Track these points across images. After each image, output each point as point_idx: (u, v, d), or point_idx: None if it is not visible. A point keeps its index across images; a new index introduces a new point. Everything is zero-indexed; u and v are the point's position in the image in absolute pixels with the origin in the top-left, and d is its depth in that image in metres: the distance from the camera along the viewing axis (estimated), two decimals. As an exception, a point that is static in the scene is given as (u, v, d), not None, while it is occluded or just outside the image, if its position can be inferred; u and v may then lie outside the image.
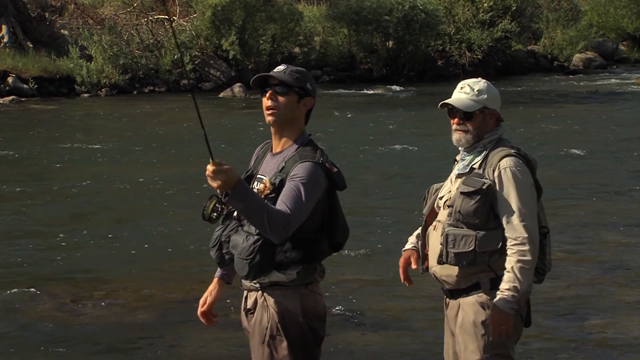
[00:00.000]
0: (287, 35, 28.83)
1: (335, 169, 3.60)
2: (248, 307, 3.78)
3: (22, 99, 22.48)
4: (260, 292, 3.71)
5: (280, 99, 3.61)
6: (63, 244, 9.34)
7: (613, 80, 29.74)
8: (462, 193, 3.89)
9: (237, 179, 3.35)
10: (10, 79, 23.10)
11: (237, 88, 24.93)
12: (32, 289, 7.72)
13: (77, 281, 8.03)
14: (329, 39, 30.82)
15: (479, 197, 3.84)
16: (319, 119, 19.27)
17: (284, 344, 3.65)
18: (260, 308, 3.71)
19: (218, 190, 3.41)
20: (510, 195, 3.84)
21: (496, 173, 3.88)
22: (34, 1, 27.50)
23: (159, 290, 7.79)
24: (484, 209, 3.85)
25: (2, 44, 24.72)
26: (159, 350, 6.42)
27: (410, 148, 15.69)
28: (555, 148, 15.70)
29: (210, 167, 3.33)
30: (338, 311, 6.99)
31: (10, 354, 6.36)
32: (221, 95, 24.65)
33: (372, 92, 26.09)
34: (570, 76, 31.47)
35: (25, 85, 23.09)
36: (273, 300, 3.66)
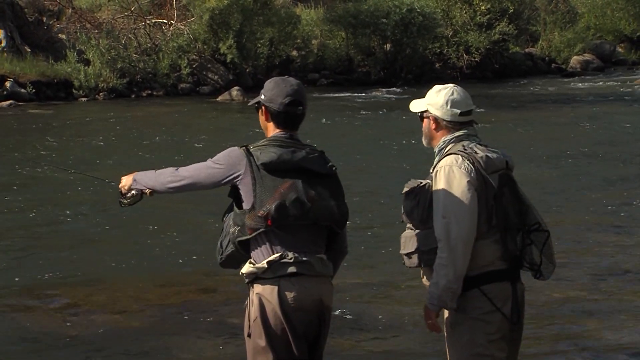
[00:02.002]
0: (284, 38, 28.83)
1: (260, 152, 3.93)
2: (246, 303, 4.01)
3: (20, 104, 22.46)
4: (249, 287, 3.98)
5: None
6: (60, 248, 9.33)
7: (611, 82, 29.76)
8: (402, 194, 4.07)
9: (132, 175, 4.20)
10: (7, 84, 23.08)
11: (235, 92, 24.92)
12: (29, 294, 7.72)
13: (75, 287, 8.03)
14: (326, 42, 30.82)
15: (413, 196, 4.00)
16: (316, 122, 19.29)
17: (263, 335, 3.87)
18: (248, 302, 3.98)
19: (126, 188, 4.23)
20: (439, 193, 3.94)
21: (434, 172, 4.01)
22: (31, 5, 27.48)
23: (157, 295, 7.78)
24: (420, 208, 3.98)
25: (-1, 49, 24.73)
26: (156, 356, 6.42)
27: (408, 150, 15.69)
28: (553, 150, 15.71)
29: (119, 186, 4.27)
30: (334, 314, 6.98)
31: (7, 359, 6.35)
32: (219, 99, 24.64)
33: (369, 95, 26.10)
34: (568, 78, 31.48)
35: (22, 90, 23.07)
36: (255, 293, 3.93)
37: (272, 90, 4.05)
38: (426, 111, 4.13)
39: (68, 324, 7.05)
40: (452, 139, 4.06)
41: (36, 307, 7.43)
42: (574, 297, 7.61)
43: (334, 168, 4.06)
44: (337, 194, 4.02)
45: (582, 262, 8.75)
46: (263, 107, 4.07)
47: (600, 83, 29.56)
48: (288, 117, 4.04)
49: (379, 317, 7.19)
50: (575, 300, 7.55)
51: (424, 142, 4.20)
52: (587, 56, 35.05)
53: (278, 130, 4.05)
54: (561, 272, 8.16)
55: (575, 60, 34.34)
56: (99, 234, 9.90)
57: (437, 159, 4.08)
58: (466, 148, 3.98)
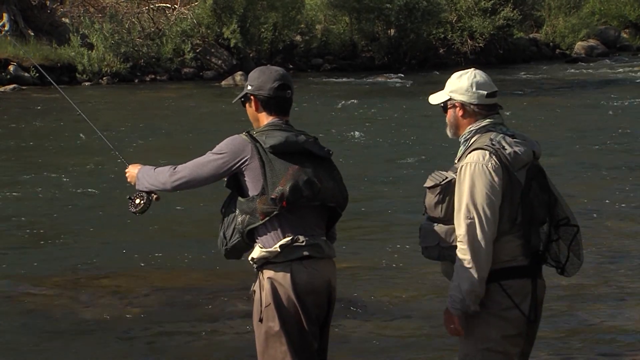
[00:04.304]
0: (288, 23, 28.75)
1: (266, 137, 3.92)
2: (253, 289, 4.00)
3: (24, 87, 22.46)
4: (258, 272, 3.96)
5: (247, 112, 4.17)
6: (66, 233, 9.35)
7: (615, 68, 29.67)
8: (425, 187, 3.94)
9: (136, 172, 4.16)
10: (11, 68, 23.07)
11: (238, 76, 24.88)
12: (35, 280, 7.74)
13: (81, 272, 8.05)
14: (330, 27, 30.74)
15: (438, 191, 3.87)
16: (319, 107, 19.28)
17: (277, 320, 3.87)
18: (257, 287, 3.96)
19: (129, 181, 4.23)
20: (464, 190, 3.80)
21: (460, 166, 3.86)
22: (34, -11, 27.42)
23: (163, 280, 7.80)
24: (444, 203, 3.86)
25: (3, 33, 24.68)
26: (163, 340, 6.44)
27: (412, 136, 15.68)
28: (557, 136, 15.68)
29: (125, 172, 4.25)
30: (339, 299, 6.99)
31: (14, 344, 6.37)
32: (223, 83, 24.62)
33: (373, 80, 26.06)
34: (572, 64, 31.40)
35: (26, 74, 23.06)
36: (266, 277, 3.90)
37: (259, 79, 4.04)
38: (449, 100, 3.97)
39: (74, 309, 7.07)
40: (478, 128, 3.91)
41: (41, 294, 7.45)
42: (580, 283, 7.60)
43: (330, 152, 4.08)
44: (336, 177, 4.05)
45: (587, 248, 8.72)
46: (252, 98, 4.04)
47: (605, 69, 29.47)
48: (279, 102, 4.02)
49: (384, 302, 7.20)
50: (580, 286, 7.54)
51: (449, 133, 4.02)
52: (592, 42, 34.94)
53: (271, 117, 4.03)
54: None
55: (579, 46, 34.23)
56: (102, 219, 9.90)
57: (462, 149, 3.94)
58: (494, 142, 3.83)
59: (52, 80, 5.46)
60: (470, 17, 30.84)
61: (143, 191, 4.16)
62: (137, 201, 4.18)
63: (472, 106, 3.94)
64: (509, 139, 3.89)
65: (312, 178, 3.90)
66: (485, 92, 3.95)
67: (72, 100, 5.00)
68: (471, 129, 3.94)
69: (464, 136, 3.96)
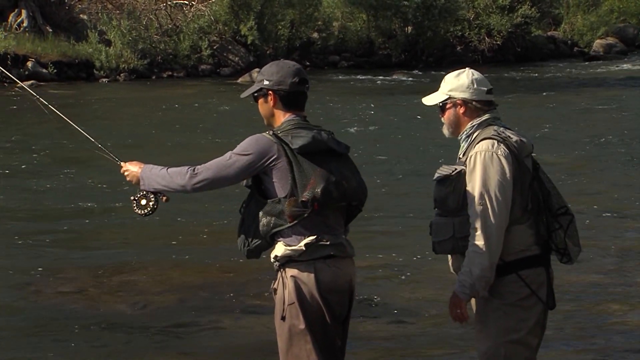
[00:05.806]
0: (305, 20, 28.75)
1: (291, 137, 3.83)
2: (274, 287, 3.96)
3: (41, 84, 22.52)
4: (280, 270, 3.90)
5: (259, 107, 4.05)
6: (82, 229, 9.38)
7: (634, 66, 29.50)
8: (434, 180, 3.96)
9: (140, 170, 3.99)
10: (29, 64, 23.16)
11: (255, 73, 24.88)
12: (51, 276, 7.77)
13: (96, 267, 8.06)
14: (347, 25, 30.71)
15: (448, 183, 3.90)
16: (336, 105, 19.26)
17: (301, 318, 3.83)
18: (280, 285, 3.90)
19: (129, 180, 4.06)
20: (475, 179, 3.84)
21: (469, 155, 3.90)
22: (53, -14, 27.51)
23: (178, 276, 7.81)
24: (456, 194, 3.88)
25: (21, 29, 24.79)
26: (177, 335, 6.45)
27: (428, 133, 15.63)
28: (575, 134, 15.62)
29: (122, 171, 4.09)
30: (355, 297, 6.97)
31: (30, 338, 6.40)
32: (239, 80, 24.64)
33: (390, 77, 26.01)
34: (591, 62, 31.24)
35: (44, 70, 23.15)
36: (289, 275, 3.86)
37: (279, 73, 3.95)
38: (449, 99, 4.00)
39: (89, 304, 7.10)
40: (480, 122, 3.95)
41: (56, 289, 7.48)
42: (596, 281, 7.58)
43: (348, 147, 4.04)
44: (356, 172, 4.00)
45: (603, 245, 8.69)
46: (270, 93, 3.95)
47: (623, 67, 29.31)
48: (298, 97, 3.96)
49: (401, 301, 7.19)
50: (596, 284, 7.51)
51: (447, 132, 4.05)
52: (610, 40, 34.74)
53: (289, 113, 3.95)
54: (582, 256, 8.10)
55: (598, 44, 34.03)
56: (117, 215, 9.92)
57: (465, 145, 3.98)
58: (499, 132, 3.89)
59: (5, 70, 5.37)
60: (488, 15, 30.72)
61: (149, 191, 4.00)
62: (144, 202, 4.02)
63: (474, 103, 3.98)
64: (510, 130, 3.96)
65: (339, 179, 3.86)
66: (485, 89, 4.01)
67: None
68: (473, 124, 3.98)
69: (465, 132, 3.99)
